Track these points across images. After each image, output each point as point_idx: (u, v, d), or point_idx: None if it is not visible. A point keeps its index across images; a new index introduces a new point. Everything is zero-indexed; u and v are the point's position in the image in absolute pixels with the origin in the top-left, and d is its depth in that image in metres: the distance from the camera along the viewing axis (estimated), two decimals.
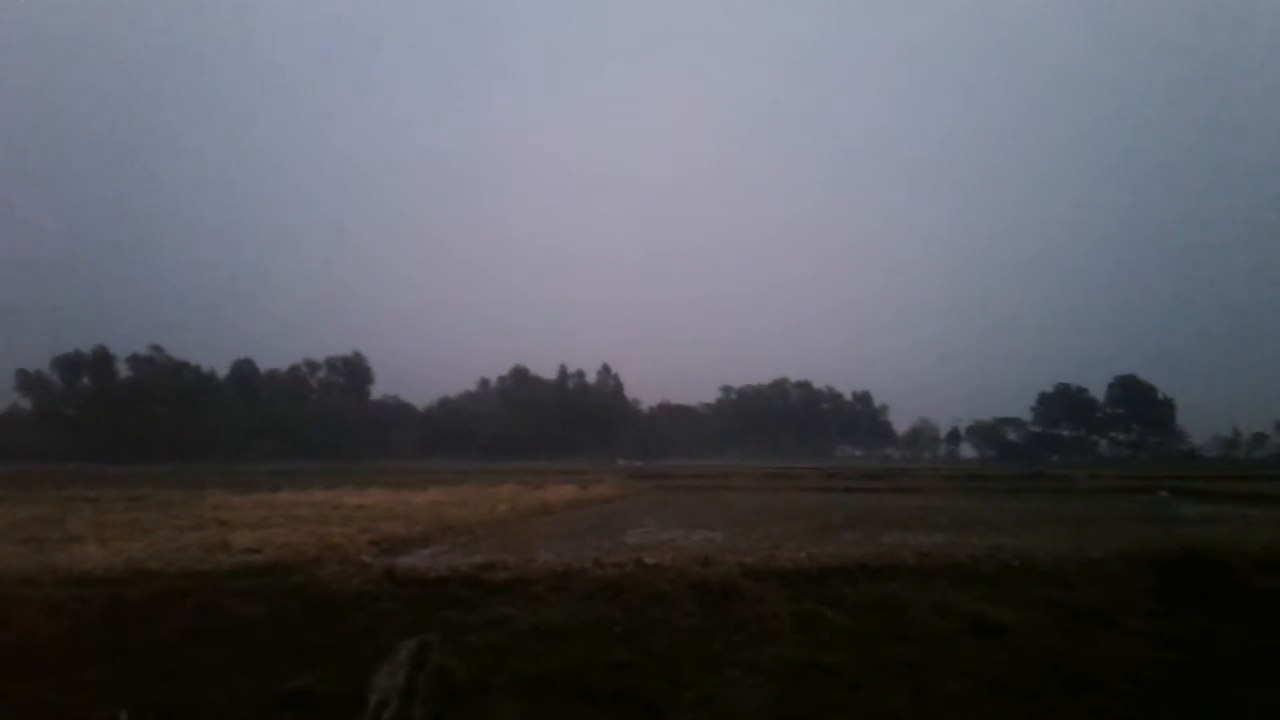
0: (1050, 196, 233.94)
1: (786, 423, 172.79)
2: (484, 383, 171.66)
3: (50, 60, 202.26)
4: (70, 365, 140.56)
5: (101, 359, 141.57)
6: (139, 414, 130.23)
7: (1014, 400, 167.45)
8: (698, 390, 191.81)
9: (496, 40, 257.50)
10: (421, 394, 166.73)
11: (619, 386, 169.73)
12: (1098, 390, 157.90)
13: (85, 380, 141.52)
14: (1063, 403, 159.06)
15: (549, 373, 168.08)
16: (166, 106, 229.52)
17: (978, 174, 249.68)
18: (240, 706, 8.63)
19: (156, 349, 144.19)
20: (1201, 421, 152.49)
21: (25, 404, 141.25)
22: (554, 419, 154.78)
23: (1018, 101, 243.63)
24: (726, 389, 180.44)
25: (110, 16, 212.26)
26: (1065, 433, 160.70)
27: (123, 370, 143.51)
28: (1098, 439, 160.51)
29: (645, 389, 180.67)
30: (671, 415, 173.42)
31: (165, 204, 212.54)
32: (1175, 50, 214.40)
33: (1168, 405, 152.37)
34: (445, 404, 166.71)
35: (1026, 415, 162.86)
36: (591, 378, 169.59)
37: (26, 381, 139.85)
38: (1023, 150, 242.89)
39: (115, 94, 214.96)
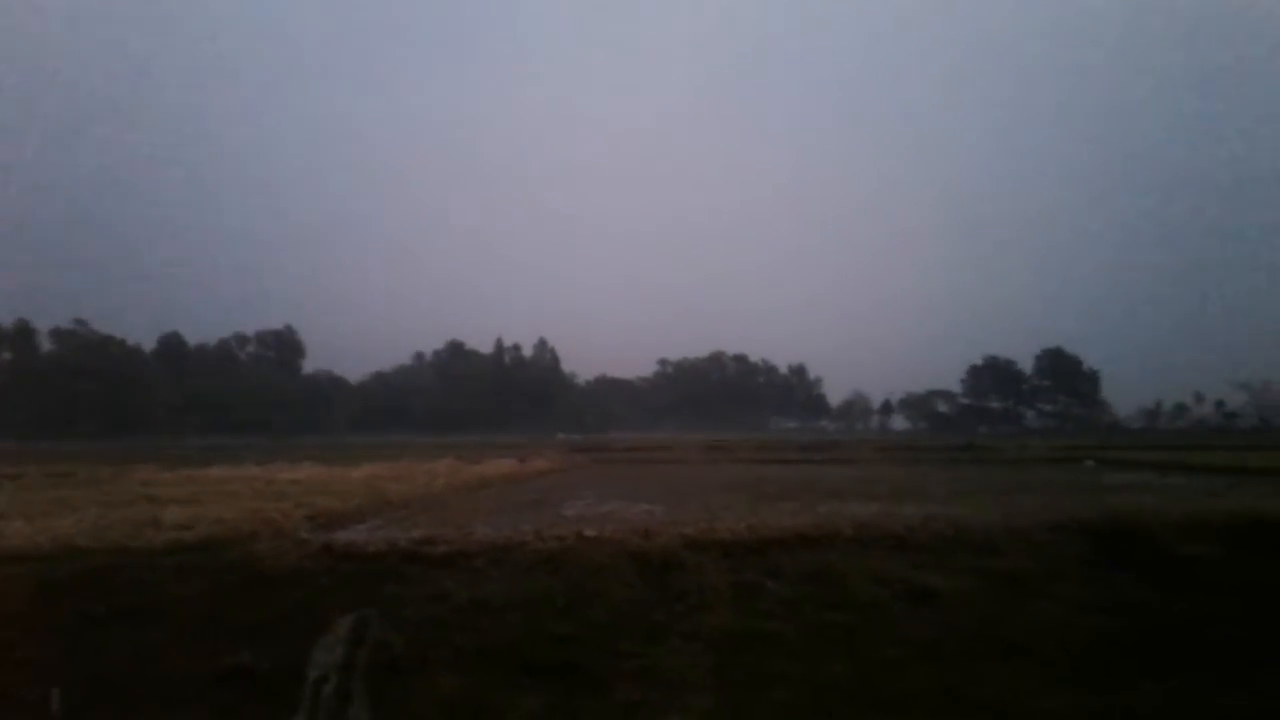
0: (979, 169, 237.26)
1: (723, 395, 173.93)
2: (419, 356, 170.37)
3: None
4: None
5: (23, 332, 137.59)
6: (63, 389, 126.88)
7: (945, 372, 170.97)
8: (635, 364, 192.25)
9: (438, 17, 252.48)
10: (355, 368, 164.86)
11: (555, 360, 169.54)
12: (1025, 363, 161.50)
13: (6, 355, 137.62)
14: (991, 375, 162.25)
15: (485, 346, 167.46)
16: (90, 66, 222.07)
17: (906, 147, 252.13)
18: (176, 683, 8.52)
19: (80, 322, 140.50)
20: (1125, 393, 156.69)
21: None
22: (490, 392, 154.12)
23: (953, 69, 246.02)
24: (664, 362, 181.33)
25: None
26: (994, 404, 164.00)
27: (45, 344, 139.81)
28: (1025, 410, 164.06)
29: (582, 362, 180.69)
30: (609, 388, 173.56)
31: (87, 172, 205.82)
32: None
33: (1093, 377, 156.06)
34: (379, 378, 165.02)
35: (956, 387, 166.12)
36: (528, 351, 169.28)
37: None
38: (952, 121, 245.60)
39: (38, 50, 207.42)
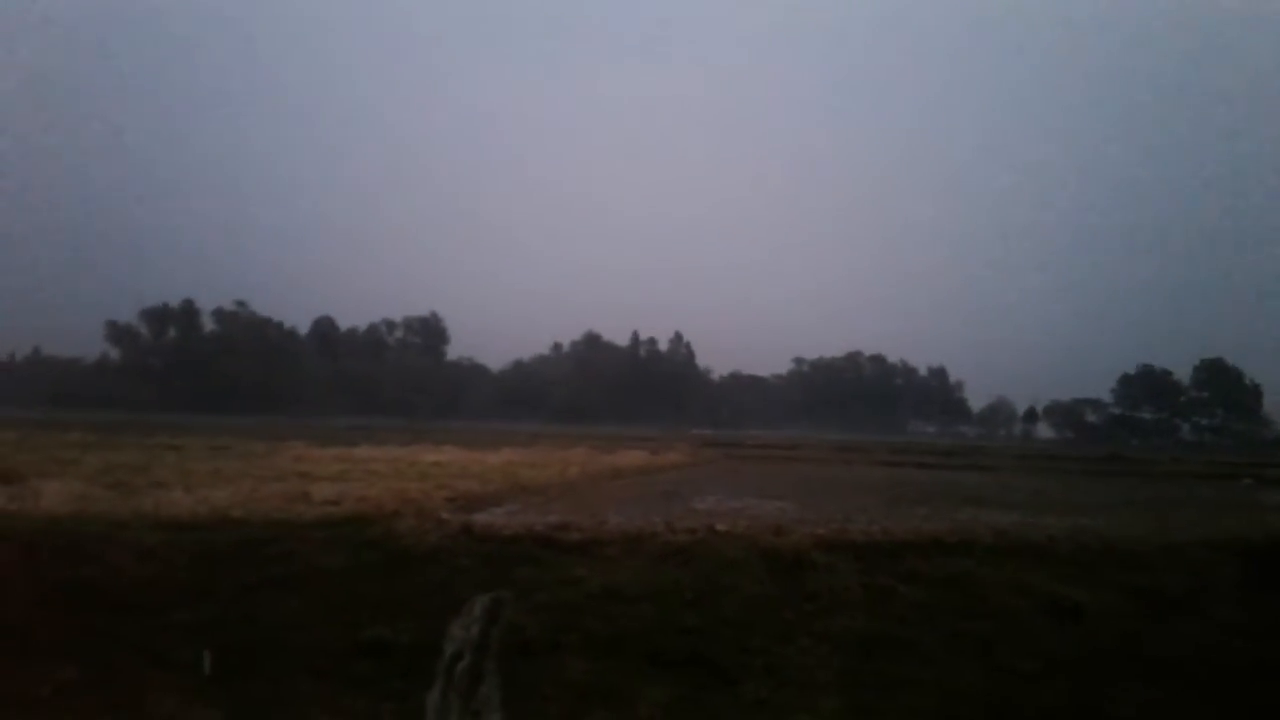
0: (1142, 174, 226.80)
1: (859, 396, 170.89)
2: (557, 347, 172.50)
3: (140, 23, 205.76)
4: (157, 317, 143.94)
5: (188, 312, 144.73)
6: (223, 367, 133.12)
7: (1094, 381, 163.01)
8: (769, 361, 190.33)
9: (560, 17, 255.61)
10: (496, 356, 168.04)
11: (690, 355, 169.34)
12: (1183, 373, 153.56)
13: (172, 332, 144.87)
14: (1145, 385, 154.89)
15: (621, 339, 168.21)
16: (264, 71, 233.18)
17: (1065, 147, 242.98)
18: (319, 652, 8.89)
19: (241, 304, 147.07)
20: None
21: (114, 354, 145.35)
22: (625, 385, 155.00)
23: (1108, 70, 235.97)
24: (799, 360, 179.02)
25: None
26: (1147, 415, 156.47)
27: (208, 324, 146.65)
28: (1180, 423, 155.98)
29: (717, 358, 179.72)
30: (743, 385, 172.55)
31: (251, 165, 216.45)
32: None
33: (1254, 391, 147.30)
34: (519, 366, 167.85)
35: (1107, 396, 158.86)
36: (663, 345, 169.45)
37: (115, 332, 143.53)
38: (1115, 121, 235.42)
39: (200, 56, 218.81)
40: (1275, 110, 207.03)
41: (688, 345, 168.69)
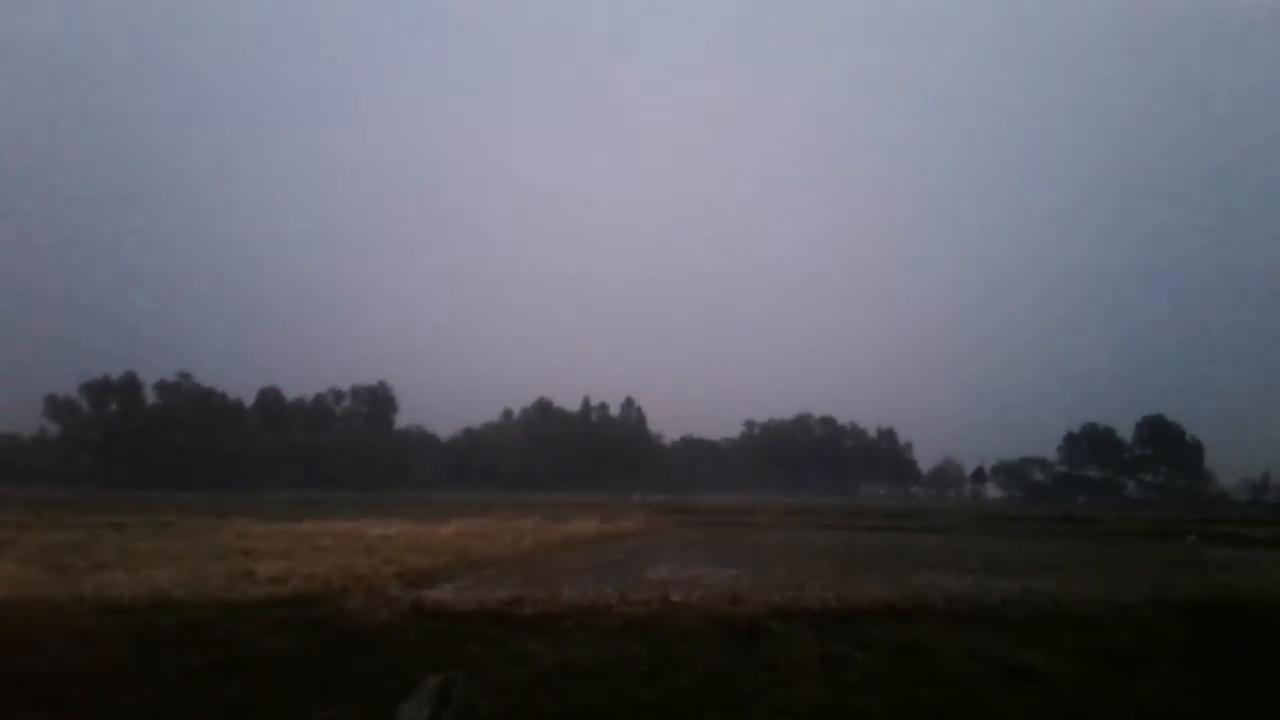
0: (1077, 231, 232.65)
1: (810, 458, 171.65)
2: (507, 414, 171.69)
3: (76, 86, 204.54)
4: (98, 391, 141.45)
5: (129, 385, 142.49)
6: (165, 440, 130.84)
7: (1040, 440, 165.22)
8: (720, 424, 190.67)
9: (519, 76, 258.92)
10: (445, 424, 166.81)
11: (642, 419, 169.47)
12: (1125, 430, 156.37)
13: (113, 406, 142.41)
14: (1089, 443, 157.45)
15: (572, 404, 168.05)
16: (194, 137, 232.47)
17: (1003, 210, 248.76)
18: None
19: (184, 376, 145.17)
20: (1230, 464, 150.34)
21: (53, 429, 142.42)
22: (577, 451, 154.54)
23: (1046, 128, 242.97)
24: (750, 423, 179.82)
25: (146, 60, 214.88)
26: (1092, 473, 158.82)
27: (150, 397, 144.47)
28: (1125, 480, 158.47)
29: (668, 422, 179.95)
30: (694, 449, 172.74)
31: (193, 233, 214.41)
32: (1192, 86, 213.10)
33: (1196, 447, 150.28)
34: (469, 434, 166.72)
35: (1053, 455, 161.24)
36: (615, 410, 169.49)
37: (55, 407, 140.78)
38: (1049, 185, 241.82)
39: (141, 124, 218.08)
40: (1210, 168, 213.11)
41: (639, 410, 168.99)
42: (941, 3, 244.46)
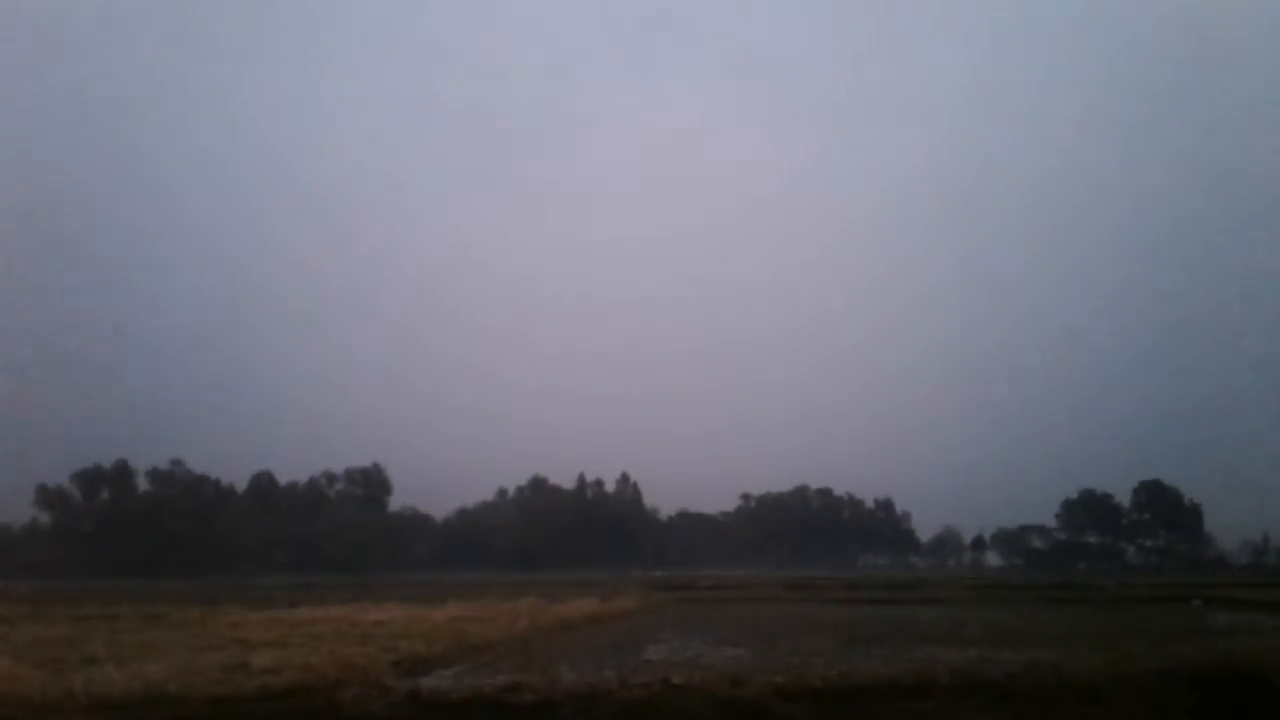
0: (1070, 297, 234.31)
1: (808, 531, 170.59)
2: (502, 493, 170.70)
3: (52, 159, 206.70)
4: (90, 479, 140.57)
5: (121, 473, 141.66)
6: (158, 528, 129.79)
7: (1038, 507, 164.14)
8: (717, 498, 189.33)
9: (504, 141, 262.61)
10: (439, 504, 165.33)
11: (638, 495, 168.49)
12: (1123, 495, 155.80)
13: (105, 494, 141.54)
14: (1087, 509, 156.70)
15: (567, 481, 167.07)
16: (177, 210, 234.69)
17: (996, 277, 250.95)
18: None
19: (176, 463, 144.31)
20: (1230, 526, 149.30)
21: (44, 519, 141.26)
22: (573, 528, 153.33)
23: (1032, 188, 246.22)
24: (746, 496, 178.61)
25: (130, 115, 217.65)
26: (1091, 540, 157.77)
27: (142, 484, 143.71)
28: (1125, 546, 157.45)
29: (664, 496, 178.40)
30: (691, 524, 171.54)
31: (182, 318, 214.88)
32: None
33: (1194, 510, 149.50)
34: (463, 514, 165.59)
35: (1051, 522, 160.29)
36: (610, 486, 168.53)
37: (46, 496, 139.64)
38: (1039, 247, 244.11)
39: (125, 211, 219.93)
40: (1211, 225, 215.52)
41: (634, 485, 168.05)
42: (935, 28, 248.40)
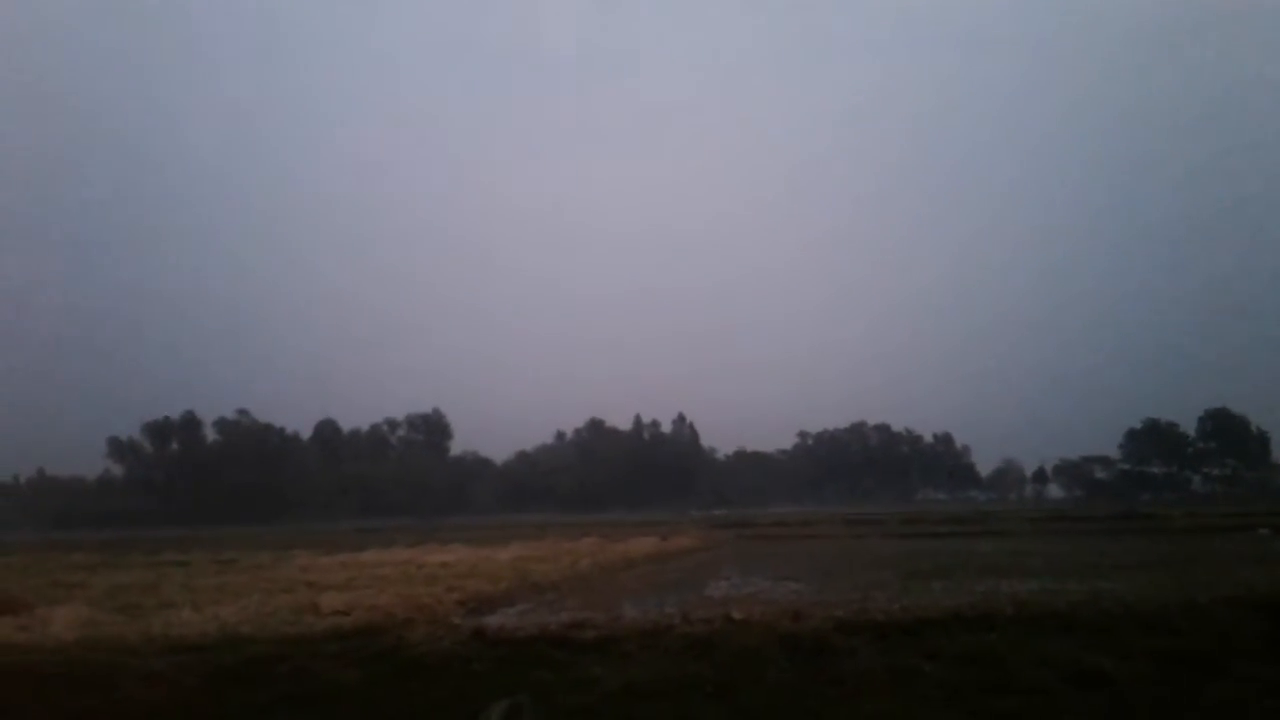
0: (1136, 227, 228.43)
1: (866, 467, 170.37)
2: (560, 435, 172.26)
3: (142, 126, 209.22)
4: (159, 431, 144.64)
5: (189, 424, 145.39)
6: (226, 477, 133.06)
7: (1102, 438, 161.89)
8: (774, 436, 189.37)
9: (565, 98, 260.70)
10: (499, 448, 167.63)
11: (694, 435, 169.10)
12: (1188, 425, 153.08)
13: (174, 445, 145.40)
14: (1152, 439, 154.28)
15: (624, 423, 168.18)
16: (248, 167, 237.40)
17: (1057, 207, 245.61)
18: None
19: (242, 412, 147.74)
20: None
21: (117, 470, 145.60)
22: (631, 470, 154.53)
23: (1116, 128, 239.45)
24: (803, 434, 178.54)
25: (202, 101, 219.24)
26: (1156, 470, 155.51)
27: (210, 435, 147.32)
28: (1190, 475, 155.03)
29: (721, 436, 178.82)
30: (748, 463, 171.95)
31: (246, 271, 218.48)
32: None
33: (1262, 438, 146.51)
34: (523, 458, 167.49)
35: (1115, 453, 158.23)
36: (667, 427, 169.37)
37: (118, 448, 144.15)
38: (1106, 178, 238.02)
39: (198, 166, 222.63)
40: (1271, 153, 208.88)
41: (691, 426, 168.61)
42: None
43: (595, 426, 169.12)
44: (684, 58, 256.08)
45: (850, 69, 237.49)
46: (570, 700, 9.62)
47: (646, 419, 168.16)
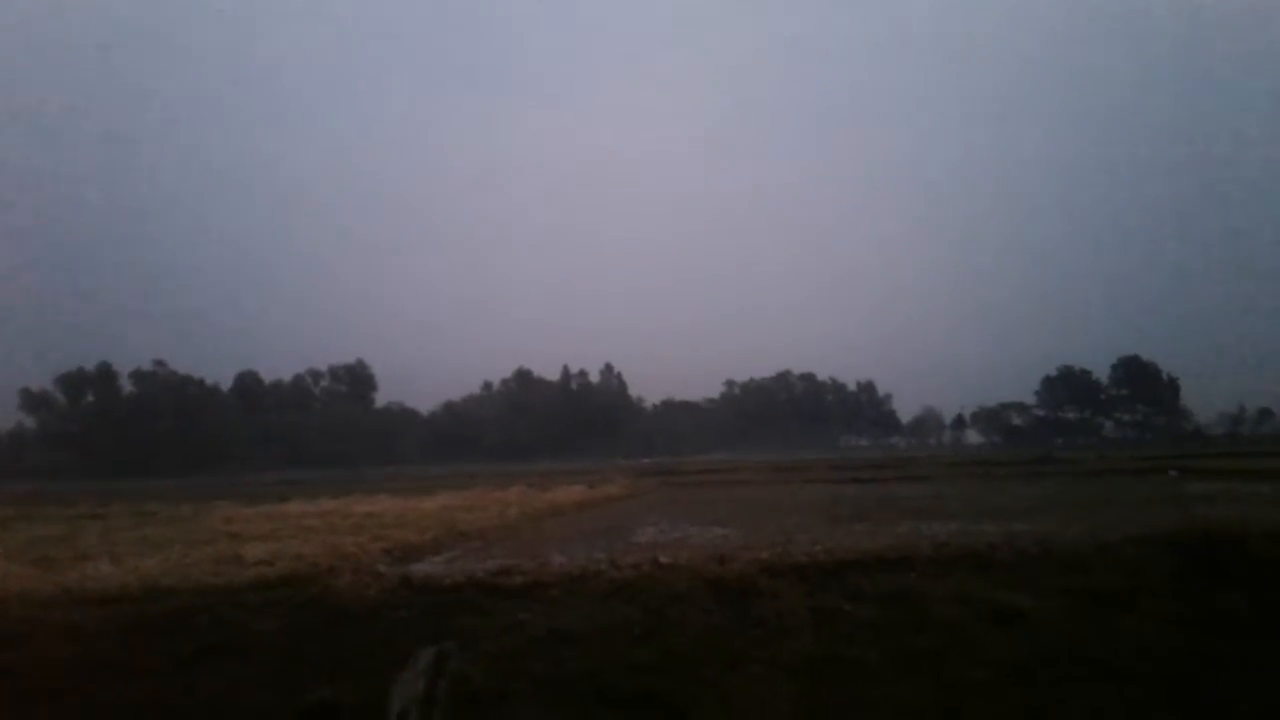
0: (1047, 176, 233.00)
1: (791, 415, 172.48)
2: (487, 386, 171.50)
3: (42, 73, 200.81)
4: (74, 383, 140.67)
5: (105, 375, 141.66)
6: (144, 429, 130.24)
7: (1017, 384, 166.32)
8: (701, 385, 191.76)
9: (489, 38, 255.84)
10: (425, 399, 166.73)
11: (622, 385, 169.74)
12: (1101, 372, 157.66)
13: (89, 397, 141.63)
14: (1066, 385, 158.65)
15: (552, 374, 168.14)
16: (162, 113, 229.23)
17: (976, 157, 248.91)
18: None
19: (159, 363, 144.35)
20: (1206, 399, 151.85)
21: (30, 423, 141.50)
22: (559, 420, 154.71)
23: (1014, 75, 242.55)
24: (730, 383, 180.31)
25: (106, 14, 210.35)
26: (1070, 415, 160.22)
27: (126, 386, 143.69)
28: (1103, 421, 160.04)
29: (648, 386, 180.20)
30: (676, 412, 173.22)
31: (163, 218, 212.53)
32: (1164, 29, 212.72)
33: (1171, 384, 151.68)
34: (449, 408, 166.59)
35: (1031, 399, 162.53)
36: (595, 377, 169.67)
37: (31, 400, 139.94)
38: (1019, 128, 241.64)
39: (109, 102, 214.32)
40: (1192, 109, 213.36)
41: (619, 376, 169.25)
42: None
43: (523, 377, 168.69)
44: None
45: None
46: (498, 645, 9.63)
47: (574, 369, 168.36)
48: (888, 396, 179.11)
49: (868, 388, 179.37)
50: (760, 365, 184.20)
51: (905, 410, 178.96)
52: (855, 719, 8.18)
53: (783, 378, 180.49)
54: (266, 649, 9.92)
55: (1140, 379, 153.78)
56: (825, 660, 9.19)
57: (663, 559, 12.33)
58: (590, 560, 12.67)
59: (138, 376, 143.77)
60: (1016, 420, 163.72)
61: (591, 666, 9.19)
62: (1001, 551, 12.15)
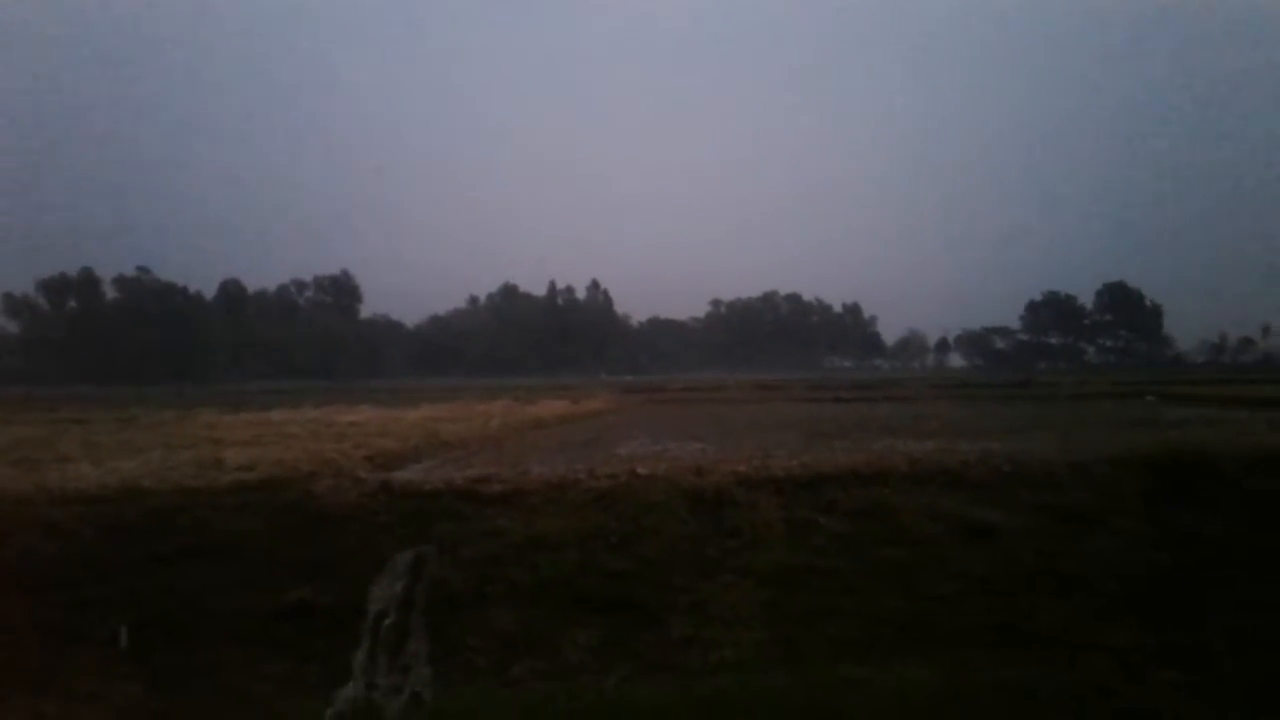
0: (1035, 100, 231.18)
1: (776, 335, 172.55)
2: (473, 300, 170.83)
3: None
4: (56, 288, 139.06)
5: (88, 281, 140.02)
6: (127, 336, 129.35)
7: (1003, 309, 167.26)
8: (687, 304, 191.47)
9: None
10: (411, 312, 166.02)
11: (608, 302, 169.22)
12: (1086, 297, 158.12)
13: (72, 303, 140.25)
14: (1051, 311, 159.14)
15: (538, 289, 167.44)
16: (155, 23, 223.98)
17: (962, 79, 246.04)
18: (239, 618, 8.72)
19: (143, 270, 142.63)
20: (1188, 327, 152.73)
21: (12, 328, 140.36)
22: (544, 335, 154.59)
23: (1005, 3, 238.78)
24: (716, 302, 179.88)
25: None
26: (1054, 340, 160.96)
27: (109, 292, 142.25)
28: (1086, 346, 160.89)
29: (635, 303, 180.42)
30: (661, 330, 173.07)
31: (150, 124, 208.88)
32: None
33: (1155, 312, 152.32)
34: (435, 321, 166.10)
35: (1015, 324, 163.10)
36: (581, 293, 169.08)
37: (13, 305, 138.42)
38: (1007, 54, 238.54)
39: (102, 13, 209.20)
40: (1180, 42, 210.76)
41: (605, 292, 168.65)
42: None
43: (509, 291, 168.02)
44: None
45: None
46: (476, 550, 9.75)
47: (561, 285, 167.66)
48: (873, 319, 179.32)
49: (853, 310, 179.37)
50: (747, 285, 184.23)
51: (890, 333, 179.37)
52: (825, 626, 8.34)
53: (769, 298, 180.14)
54: (246, 550, 10.02)
55: (1124, 305, 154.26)
56: (797, 570, 9.35)
57: (641, 470, 12.42)
58: (569, 470, 12.74)
59: (121, 283, 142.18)
60: (1000, 344, 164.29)
61: (568, 572, 9.33)
62: (975, 469, 12.28)
